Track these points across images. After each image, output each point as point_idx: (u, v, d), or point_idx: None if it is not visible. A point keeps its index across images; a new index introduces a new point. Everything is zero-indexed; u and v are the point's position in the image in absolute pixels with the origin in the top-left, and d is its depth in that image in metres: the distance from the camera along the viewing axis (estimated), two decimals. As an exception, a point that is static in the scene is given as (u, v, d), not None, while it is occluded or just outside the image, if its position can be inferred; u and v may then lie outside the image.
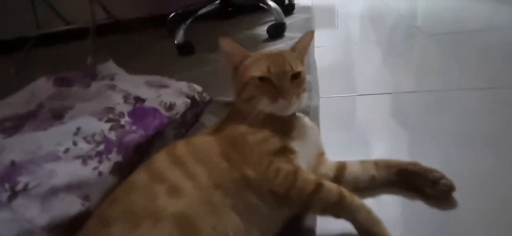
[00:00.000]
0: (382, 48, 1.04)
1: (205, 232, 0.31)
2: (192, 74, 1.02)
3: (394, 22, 1.31)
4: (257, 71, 0.44)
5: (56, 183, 0.36)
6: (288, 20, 1.52)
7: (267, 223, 0.36)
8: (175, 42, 1.25)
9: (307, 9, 1.77)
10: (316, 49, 1.08)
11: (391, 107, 0.67)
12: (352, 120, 0.65)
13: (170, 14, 1.68)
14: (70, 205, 0.37)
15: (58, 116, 0.47)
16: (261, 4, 1.32)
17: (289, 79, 0.43)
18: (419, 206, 0.40)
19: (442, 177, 0.40)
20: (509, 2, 1.29)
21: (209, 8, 1.41)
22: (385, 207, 0.41)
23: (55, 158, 0.39)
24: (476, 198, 0.40)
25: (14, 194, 0.34)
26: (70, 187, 0.37)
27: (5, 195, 0.33)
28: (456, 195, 0.40)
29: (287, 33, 1.29)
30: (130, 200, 0.34)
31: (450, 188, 0.40)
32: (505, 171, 0.44)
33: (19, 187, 0.34)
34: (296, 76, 0.44)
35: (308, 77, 0.80)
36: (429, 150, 0.51)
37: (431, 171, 0.41)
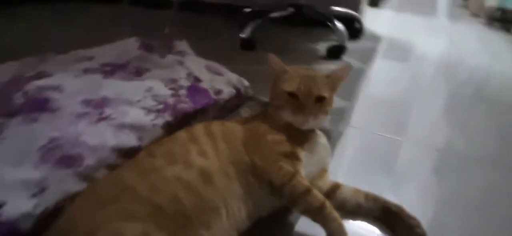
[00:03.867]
0: (445, 100, 1.01)
1: (218, 187, 0.42)
2: (245, 68, 1.14)
3: (466, 77, 1.25)
4: (289, 87, 0.53)
5: (126, 121, 0.52)
6: (352, 45, 1.55)
7: (260, 202, 0.46)
8: (241, 35, 1.38)
9: (376, 38, 1.76)
10: (372, 81, 1.11)
11: (425, 163, 0.68)
12: (381, 160, 0.67)
13: (244, 8, 1.82)
14: (130, 139, 0.51)
15: (139, 73, 0.63)
16: (329, 23, 1.38)
17: (313, 100, 0.52)
18: (390, 244, 0.46)
19: (419, 226, 0.45)
20: None
21: (281, 13, 1.51)
22: (360, 233, 0.47)
23: (130, 103, 0.54)
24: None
25: (100, 119, 0.49)
26: (133, 127, 0.52)
27: (95, 117, 0.49)
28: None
29: (345, 57, 1.33)
30: (171, 146, 0.47)
31: (422, 238, 0.45)
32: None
33: (104, 115, 0.50)
34: (321, 99, 0.53)
35: (343, 104, 0.87)
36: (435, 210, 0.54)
37: (410, 217, 0.46)
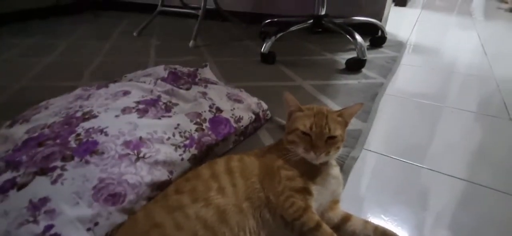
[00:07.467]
0: (472, 121, 0.97)
1: (231, 223, 0.48)
2: (264, 85, 1.19)
3: (490, 94, 1.19)
4: (302, 126, 0.58)
5: (159, 158, 0.60)
6: (373, 54, 1.55)
7: (272, 234, 0.52)
8: (261, 50, 1.44)
9: (399, 46, 1.72)
10: (391, 97, 1.10)
11: (446, 193, 0.66)
12: (397, 189, 0.66)
13: (266, 17, 1.87)
14: (162, 175, 0.59)
15: (168, 109, 0.71)
16: (348, 36, 1.39)
17: (324, 140, 0.57)
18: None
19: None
20: None
21: (301, 26, 1.55)
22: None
23: (161, 141, 0.62)
24: None
25: (137, 159, 0.58)
26: (165, 163, 0.60)
27: (133, 158, 0.58)
28: None
29: (364, 70, 1.34)
30: (195, 184, 0.54)
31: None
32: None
33: (141, 155, 0.58)
34: (332, 138, 0.57)
35: (360, 125, 0.90)
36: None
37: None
